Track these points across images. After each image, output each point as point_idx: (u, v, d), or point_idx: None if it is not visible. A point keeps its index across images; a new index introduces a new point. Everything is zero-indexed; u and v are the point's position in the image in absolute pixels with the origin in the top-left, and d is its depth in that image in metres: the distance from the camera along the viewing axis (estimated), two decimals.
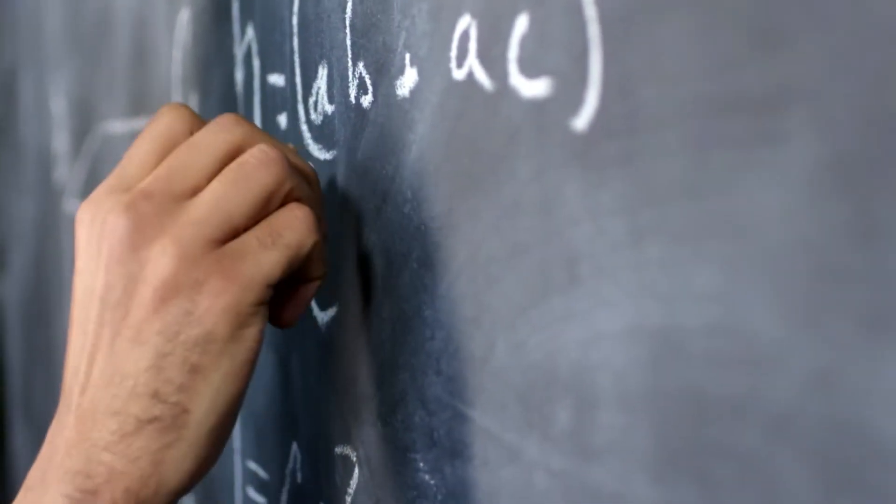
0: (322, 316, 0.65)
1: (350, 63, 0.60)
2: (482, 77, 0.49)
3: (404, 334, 0.56)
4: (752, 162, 0.37)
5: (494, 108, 0.48)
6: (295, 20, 0.66)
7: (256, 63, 0.72)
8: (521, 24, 0.47)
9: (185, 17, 0.85)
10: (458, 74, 0.51)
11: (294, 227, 0.53)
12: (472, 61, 0.50)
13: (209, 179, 0.53)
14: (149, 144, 0.55)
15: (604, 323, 0.43)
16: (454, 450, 0.53)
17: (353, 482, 0.62)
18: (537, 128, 0.46)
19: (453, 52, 0.51)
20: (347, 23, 0.60)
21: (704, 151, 0.39)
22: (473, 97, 0.50)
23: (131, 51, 0.97)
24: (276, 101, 0.69)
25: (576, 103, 0.44)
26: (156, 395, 0.51)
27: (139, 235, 0.51)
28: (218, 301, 0.51)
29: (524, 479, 0.48)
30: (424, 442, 0.55)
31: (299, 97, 0.66)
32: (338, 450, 0.64)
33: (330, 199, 0.63)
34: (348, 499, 0.63)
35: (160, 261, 0.51)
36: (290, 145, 0.59)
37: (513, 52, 0.47)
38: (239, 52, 0.75)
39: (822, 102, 0.34)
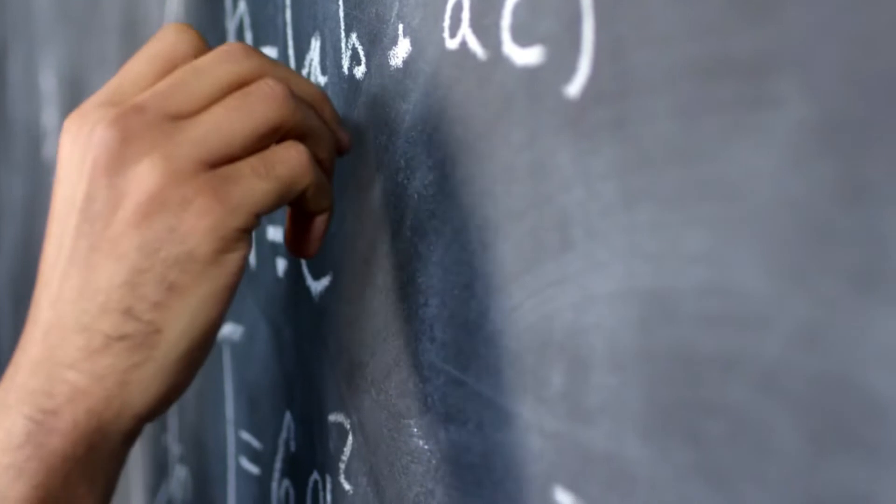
0: (315, 285, 0.66)
1: (343, 34, 0.60)
2: (475, 46, 0.50)
3: (398, 301, 0.57)
4: (741, 125, 0.38)
5: (488, 76, 0.49)
6: None
7: (249, 36, 0.73)
8: None
9: None
10: (452, 44, 0.51)
11: (289, 163, 0.52)
12: (466, 30, 0.50)
13: (208, 104, 0.51)
14: (147, 63, 0.53)
15: (596, 285, 0.44)
16: (448, 415, 0.54)
17: (347, 449, 0.63)
18: (530, 95, 0.47)
19: (446, 22, 0.52)
20: None
21: (694, 115, 0.39)
22: (467, 66, 0.50)
23: (122, 25, 0.98)
24: None
25: (568, 70, 0.44)
26: (128, 312, 0.49)
27: (127, 148, 0.49)
28: (203, 220, 0.49)
29: (518, 442, 0.49)
30: (418, 407, 0.56)
31: (292, 69, 0.66)
32: (331, 417, 0.65)
33: None
34: (342, 466, 0.64)
35: (148, 175, 0.49)
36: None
37: (506, 20, 0.48)
38: (231, 26, 0.75)
39: (810, 66, 0.35)
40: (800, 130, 0.36)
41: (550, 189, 0.46)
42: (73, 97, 1.16)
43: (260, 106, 0.51)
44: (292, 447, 0.70)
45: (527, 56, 0.47)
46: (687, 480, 0.40)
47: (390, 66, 0.56)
